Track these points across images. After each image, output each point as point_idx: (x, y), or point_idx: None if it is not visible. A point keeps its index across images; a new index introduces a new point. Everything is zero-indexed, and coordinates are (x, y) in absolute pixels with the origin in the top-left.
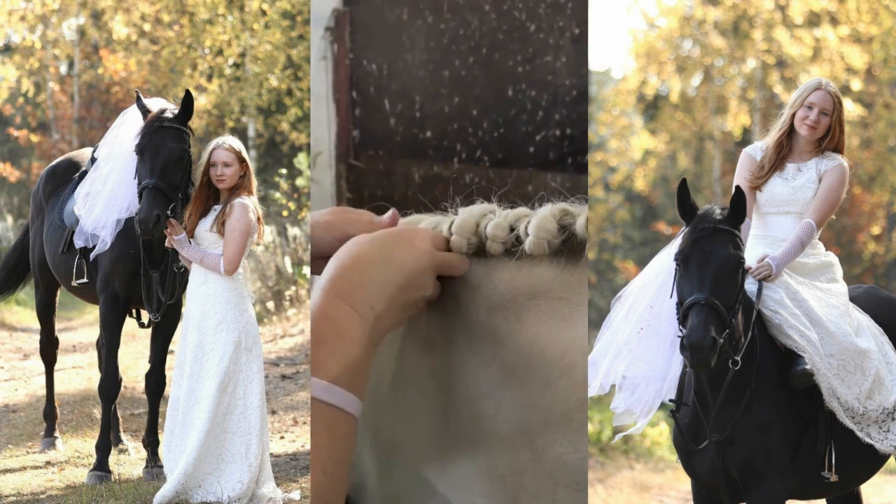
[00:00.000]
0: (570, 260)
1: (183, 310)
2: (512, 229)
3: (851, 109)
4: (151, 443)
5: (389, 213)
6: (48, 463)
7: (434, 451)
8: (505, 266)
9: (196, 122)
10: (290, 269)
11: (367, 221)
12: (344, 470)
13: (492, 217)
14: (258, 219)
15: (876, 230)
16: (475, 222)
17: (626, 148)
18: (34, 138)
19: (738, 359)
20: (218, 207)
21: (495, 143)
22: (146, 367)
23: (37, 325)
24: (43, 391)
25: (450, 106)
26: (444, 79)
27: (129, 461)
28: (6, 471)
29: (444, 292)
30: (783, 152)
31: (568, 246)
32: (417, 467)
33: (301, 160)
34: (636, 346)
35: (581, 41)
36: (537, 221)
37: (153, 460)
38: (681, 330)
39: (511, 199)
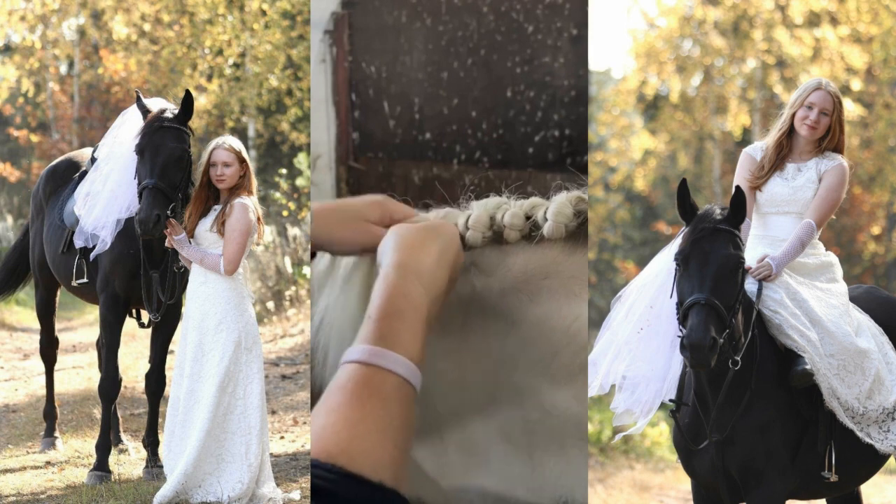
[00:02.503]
0: (578, 241)
1: (183, 310)
2: (527, 217)
3: (851, 109)
4: (151, 443)
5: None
6: (48, 463)
7: (451, 422)
8: (519, 250)
9: (196, 122)
10: (290, 269)
11: (409, 210)
12: (410, 446)
13: (507, 208)
14: (258, 219)
15: (876, 230)
16: (489, 216)
17: (626, 148)
18: (34, 138)
19: (738, 359)
20: (218, 207)
21: (494, 145)
22: (146, 367)
23: (37, 325)
24: (43, 391)
25: (449, 108)
26: (443, 80)
27: (129, 461)
28: (6, 471)
29: (458, 282)
30: (783, 152)
31: (582, 230)
32: (436, 446)
33: (301, 160)
34: (636, 346)
35: (579, 42)
36: (556, 207)
37: (153, 460)
38: (681, 330)
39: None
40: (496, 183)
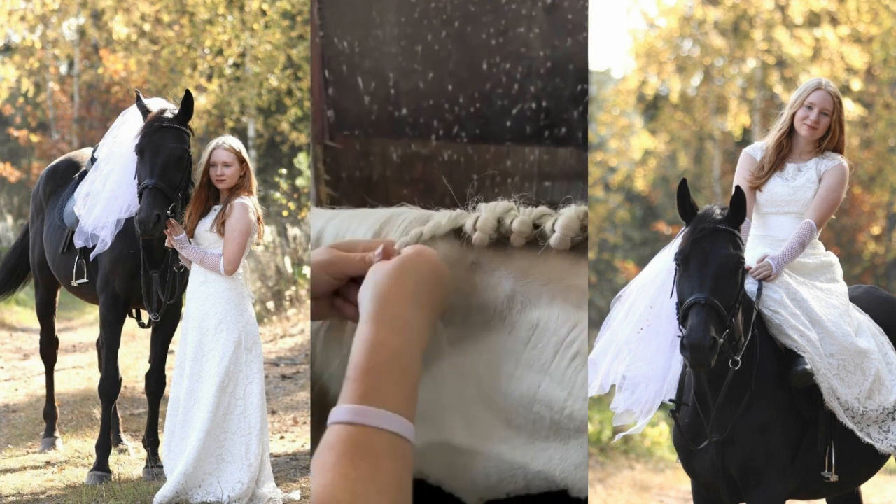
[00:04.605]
0: (579, 253)
1: (183, 310)
2: (535, 226)
3: (851, 109)
4: (151, 443)
5: (380, 248)
6: (48, 463)
7: (455, 406)
8: (521, 253)
9: (196, 122)
10: (290, 269)
11: (359, 260)
12: (410, 496)
13: (515, 214)
14: (258, 219)
15: (876, 230)
16: (497, 220)
17: (626, 148)
18: (34, 138)
19: (738, 359)
20: (218, 207)
21: (472, 119)
22: (146, 367)
23: (37, 325)
24: (43, 391)
25: (424, 82)
26: (417, 54)
27: (129, 461)
28: (6, 471)
29: (459, 277)
30: (783, 152)
31: (583, 243)
32: (440, 429)
33: (301, 160)
34: (636, 346)
35: (554, 11)
36: (565, 221)
37: (153, 460)
38: (681, 330)
39: (491, 176)
40: (475, 158)
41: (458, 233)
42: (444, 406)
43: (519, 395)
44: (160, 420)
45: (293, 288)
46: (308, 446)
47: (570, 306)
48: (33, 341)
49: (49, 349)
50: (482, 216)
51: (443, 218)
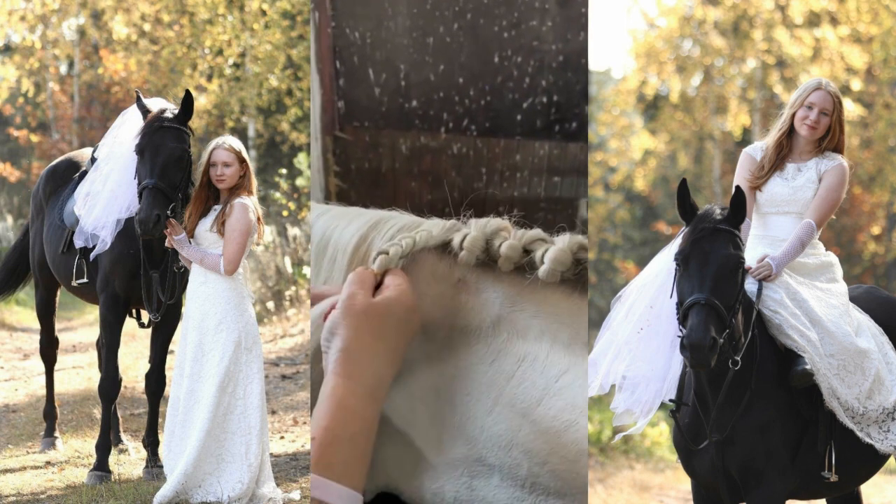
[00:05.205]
0: (576, 288)
1: (183, 310)
2: (526, 252)
3: (851, 109)
4: (151, 443)
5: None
6: (48, 463)
7: (431, 430)
8: (513, 278)
9: (196, 122)
10: (290, 269)
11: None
12: None
13: (506, 236)
14: (258, 219)
15: (876, 230)
16: (486, 240)
17: (626, 148)
18: (34, 138)
19: (738, 359)
20: (218, 207)
21: (482, 112)
22: (146, 367)
23: (37, 325)
24: (43, 391)
25: (435, 74)
26: (429, 46)
27: (129, 461)
28: (6, 471)
29: (444, 293)
30: (783, 152)
31: (581, 278)
32: (413, 443)
33: (301, 160)
34: (636, 346)
35: (567, 5)
36: (554, 254)
37: (153, 460)
38: (681, 330)
39: (500, 170)
40: (484, 151)
41: (446, 247)
42: (418, 421)
43: (496, 433)
44: (160, 420)
45: (293, 288)
46: (308, 446)
47: (560, 346)
48: (33, 341)
49: (49, 349)
50: (470, 234)
51: (434, 229)
